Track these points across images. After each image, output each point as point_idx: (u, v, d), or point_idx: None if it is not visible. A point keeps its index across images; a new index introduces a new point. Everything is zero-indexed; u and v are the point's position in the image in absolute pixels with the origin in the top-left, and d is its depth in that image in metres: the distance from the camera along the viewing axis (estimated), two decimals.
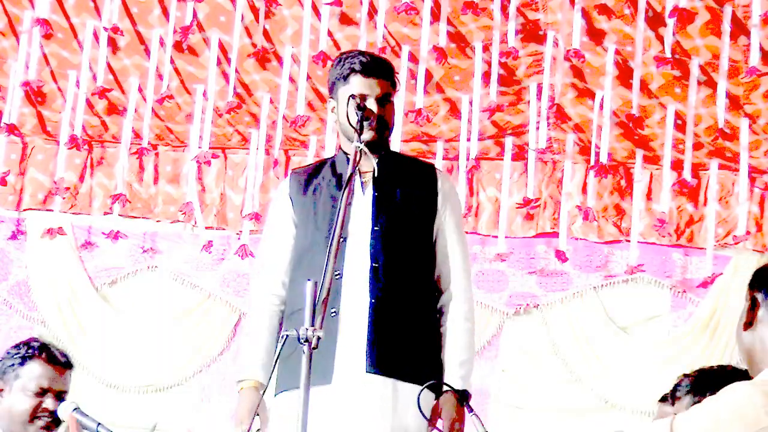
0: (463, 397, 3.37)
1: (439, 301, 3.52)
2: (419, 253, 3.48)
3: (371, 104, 3.43)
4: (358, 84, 3.47)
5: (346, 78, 3.50)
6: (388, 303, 3.36)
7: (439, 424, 3.35)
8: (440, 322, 3.50)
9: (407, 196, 3.50)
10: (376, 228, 3.42)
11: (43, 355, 3.60)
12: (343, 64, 3.52)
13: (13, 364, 3.59)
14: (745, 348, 2.48)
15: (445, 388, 3.36)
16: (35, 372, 3.57)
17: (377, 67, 3.49)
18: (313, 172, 3.60)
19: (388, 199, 3.47)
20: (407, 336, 3.39)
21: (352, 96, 3.42)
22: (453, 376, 3.41)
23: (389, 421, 3.30)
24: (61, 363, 3.62)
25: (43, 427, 3.54)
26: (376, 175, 3.47)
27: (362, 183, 3.49)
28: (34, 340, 3.70)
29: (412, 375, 3.33)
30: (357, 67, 3.48)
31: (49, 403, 3.54)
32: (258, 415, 3.32)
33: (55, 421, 3.53)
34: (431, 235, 3.52)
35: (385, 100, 3.47)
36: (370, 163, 3.47)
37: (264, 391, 3.37)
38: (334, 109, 3.56)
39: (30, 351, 3.61)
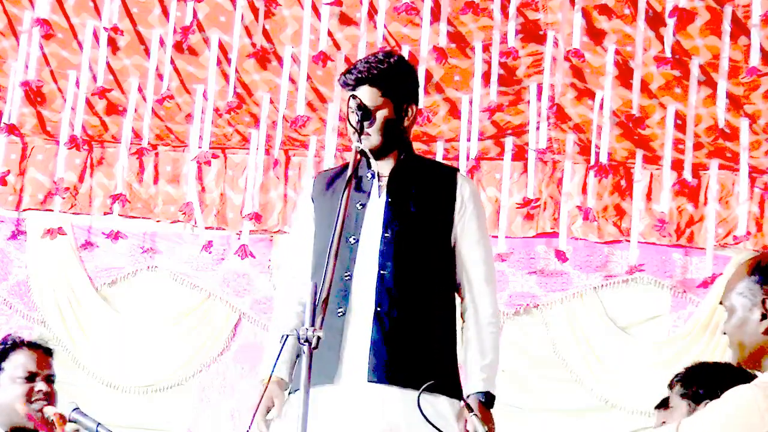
0: (488, 400, 3.34)
1: (462, 308, 3.48)
2: (432, 261, 3.43)
3: (351, 119, 3.41)
4: (346, 98, 3.48)
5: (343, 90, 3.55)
6: (394, 310, 3.33)
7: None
8: (463, 328, 3.46)
9: (422, 203, 3.45)
10: (386, 234, 3.39)
11: (24, 344, 3.66)
12: (339, 78, 3.55)
13: None
14: (756, 346, 2.49)
15: (467, 391, 3.33)
16: (20, 360, 3.62)
17: (355, 80, 3.45)
18: (337, 173, 3.58)
19: (402, 205, 3.43)
20: (413, 344, 3.34)
21: (353, 96, 3.43)
22: (475, 380, 3.37)
23: (389, 429, 3.28)
24: (42, 348, 3.68)
25: (40, 410, 3.56)
26: (390, 179, 3.45)
27: (379, 187, 3.45)
28: (9, 335, 3.76)
29: (415, 383, 3.24)
30: (341, 82, 3.51)
31: (40, 385, 3.58)
32: (274, 405, 3.32)
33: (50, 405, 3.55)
34: (448, 242, 3.46)
35: (365, 110, 3.41)
36: (387, 167, 3.45)
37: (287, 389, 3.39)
38: None
39: (9, 344, 3.66)
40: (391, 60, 3.51)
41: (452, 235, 3.47)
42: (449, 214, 3.48)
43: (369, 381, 3.28)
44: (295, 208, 3.75)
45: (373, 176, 3.45)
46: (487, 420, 3.30)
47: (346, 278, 3.33)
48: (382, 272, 3.35)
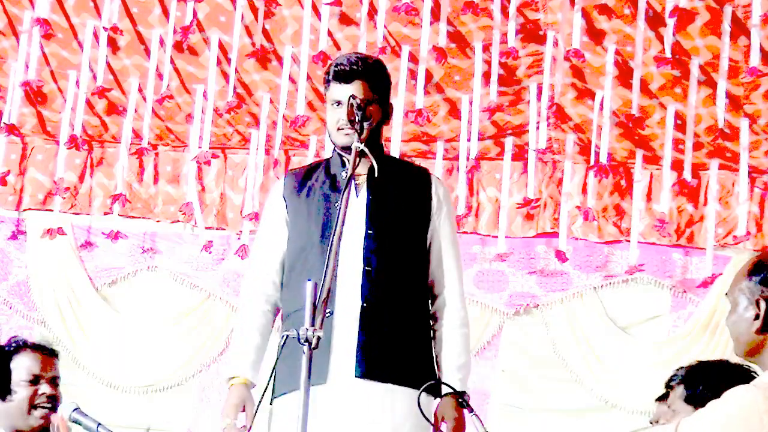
0: (462, 399, 3.38)
1: (433, 306, 3.52)
2: (412, 258, 3.48)
3: (349, 116, 3.40)
4: (335, 91, 3.48)
5: (328, 85, 3.52)
6: (380, 307, 3.36)
7: (443, 427, 3.35)
8: (434, 326, 3.51)
9: (401, 201, 3.49)
10: (369, 231, 3.42)
11: (29, 346, 3.65)
12: (326, 72, 3.55)
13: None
14: (752, 343, 2.50)
15: (445, 389, 3.36)
16: (24, 363, 3.62)
17: (350, 72, 3.46)
18: (308, 173, 3.60)
19: (382, 202, 3.46)
20: (398, 340, 3.37)
21: (352, 96, 3.42)
22: (452, 379, 3.40)
23: (380, 425, 3.29)
24: (47, 351, 3.68)
25: (43, 417, 3.56)
26: (368, 178, 3.46)
27: (356, 186, 3.47)
28: (14, 337, 3.76)
29: (403, 379, 3.32)
30: (331, 75, 3.50)
31: (44, 388, 3.58)
32: (244, 411, 3.34)
33: (54, 408, 3.55)
34: (425, 240, 3.51)
35: (365, 110, 3.41)
36: (364, 166, 3.46)
37: (257, 388, 3.40)
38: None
39: (14, 346, 3.65)
40: (374, 60, 3.60)
41: (428, 234, 3.52)
42: (426, 213, 3.52)
43: (357, 377, 3.31)
44: (265, 204, 3.72)
45: (348, 176, 3.46)
46: (463, 420, 3.34)
47: (332, 278, 3.33)
48: (367, 269, 3.38)
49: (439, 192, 3.56)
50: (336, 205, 3.37)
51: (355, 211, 3.42)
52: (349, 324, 3.34)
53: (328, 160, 3.62)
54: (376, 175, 3.43)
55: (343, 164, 3.46)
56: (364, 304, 3.34)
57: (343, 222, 3.06)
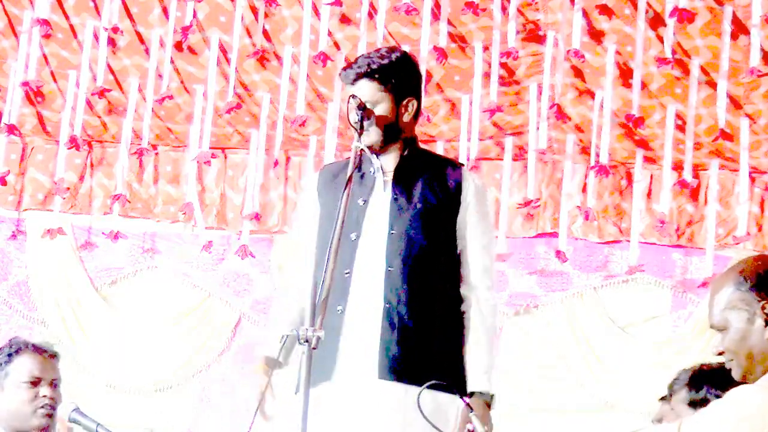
0: (490, 400, 3.34)
1: (463, 304, 3.45)
2: (438, 256, 3.41)
3: (351, 117, 3.38)
4: (345, 93, 3.48)
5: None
6: (404, 308, 3.32)
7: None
8: (463, 324, 3.45)
9: (428, 199, 3.43)
10: (392, 231, 3.37)
11: (29, 348, 3.65)
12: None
13: (0, 364, 3.62)
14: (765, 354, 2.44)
15: (469, 394, 3.31)
16: (25, 364, 3.61)
17: (352, 73, 3.45)
18: (341, 167, 3.54)
19: (407, 200, 3.42)
20: (422, 341, 3.33)
21: (352, 96, 3.41)
22: (482, 380, 3.35)
23: (401, 427, 3.27)
24: (47, 352, 3.67)
25: (47, 415, 3.56)
26: (395, 175, 3.43)
27: (384, 181, 3.44)
28: (15, 338, 3.75)
29: (426, 380, 3.24)
30: (341, 77, 3.50)
31: (45, 390, 3.57)
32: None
33: (54, 409, 3.55)
34: (453, 237, 3.45)
35: (365, 109, 3.39)
36: (392, 162, 3.44)
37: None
38: None
39: (14, 347, 3.65)
40: (393, 55, 3.50)
41: (457, 230, 3.45)
42: (454, 209, 3.45)
43: (382, 378, 3.27)
44: (299, 202, 3.71)
45: (375, 171, 3.43)
46: (486, 421, 3.30)
47: (346, 275, 3.31)
48: (389, 269, 3.34)
49: (470, 187, 3.47)
50: (359, 201, 3.38)
51: (379, 208, 3.41)
52: (365, 323, 3.30)
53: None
54: (381, 179, 3.42)
55: (371, 161, 3.43)
56: (387, 305, 3.31)
57: (342, 224, 3.07)
